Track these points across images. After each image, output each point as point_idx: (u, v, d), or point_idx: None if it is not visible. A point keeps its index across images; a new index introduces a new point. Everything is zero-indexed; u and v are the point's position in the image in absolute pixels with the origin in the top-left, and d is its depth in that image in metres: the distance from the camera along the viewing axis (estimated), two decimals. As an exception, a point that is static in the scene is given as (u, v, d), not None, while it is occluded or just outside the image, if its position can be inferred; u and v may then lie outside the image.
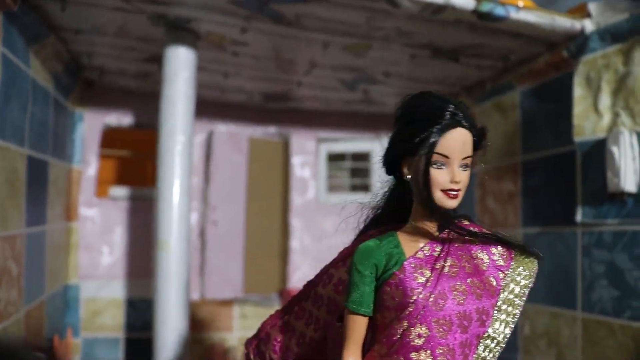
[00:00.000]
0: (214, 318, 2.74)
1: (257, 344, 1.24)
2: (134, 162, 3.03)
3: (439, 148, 0.91)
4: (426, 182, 0.92)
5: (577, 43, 1.79)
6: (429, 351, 0.90)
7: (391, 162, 0.99)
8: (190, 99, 1.94)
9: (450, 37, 1.86)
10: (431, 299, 0.91)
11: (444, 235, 0.98)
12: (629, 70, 1.62)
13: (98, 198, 2.59)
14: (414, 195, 0.97)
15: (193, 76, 1.94)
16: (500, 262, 0.98)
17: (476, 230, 0.99)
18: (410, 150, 0.94)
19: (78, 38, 1.95)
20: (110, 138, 2.71)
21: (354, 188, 3.00)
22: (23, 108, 1.72)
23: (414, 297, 0.91)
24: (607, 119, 1.70)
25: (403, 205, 1.01)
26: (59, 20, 1.79)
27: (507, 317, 0.96)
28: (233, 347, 2.74)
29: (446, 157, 0.91)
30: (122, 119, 2.63)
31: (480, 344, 0.94)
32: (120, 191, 2.63)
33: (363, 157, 2.98)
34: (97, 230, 2.58)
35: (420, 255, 0.95)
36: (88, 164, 2.56)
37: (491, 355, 0.95)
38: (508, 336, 0.96)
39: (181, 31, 1.87)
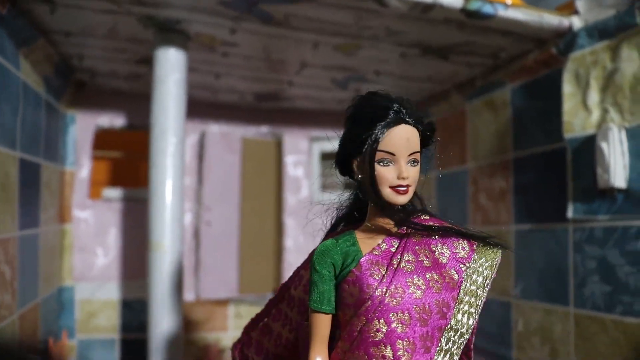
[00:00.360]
0: (209, 318, 2.75)
1: (241, 347, 1.27)
2: (127, 163, 3.03)
3: (383, 145, 0.93)
4: (373, 179, 0.94)
5: (566, 40, 1.79)
6: (388, 345, 0.92)
7: (342, 163, 1.01)
8: (181, 100, 1.94)
9: (440, 35, 1.86)
10: (387, 294, 0.92)
11: (402, 231, 0.99)
12: (617, 67, 1.63)
13: (91, 200, 2.59)
14: (365, 194, 0.98)
15: (184, 77, 1.94)
16: (462, 255, 0.99)
17: (434, 224, 1.01)
18: (358, 150, 0.95)
19: (68, 40, 1.95)
20: (103, 140, 2.71)
21: (348, 186, 3.00)
22: (14, 111, 1.72)
23: (371, 293, 0.93)
24: (596, 115, 1.70)
25: (366, 205, 1.03)
26: (48, 23, 1.79)
27: (469, 308, 0.97)
28: (228, 347, 2.75)
29: (392, 154, 0.93)
30: (114, 120, 2.63)
31: (443, 337, 0.95)
32: (114, 192, 2.63)
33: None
34: (91, 232, 2.58)
35: (376, 252, 0.97)
36: (81, 165, 2.55)
37: (455, 347, 0.96)
38: (472, 327, 0.97)
39: (171, 33, 1.87)
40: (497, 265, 1.00)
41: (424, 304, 0.93)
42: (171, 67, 1.90)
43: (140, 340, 2.53)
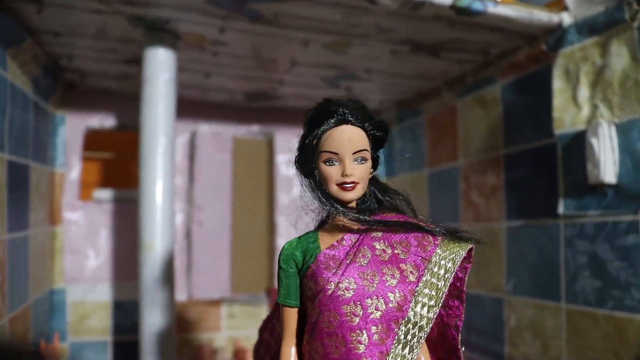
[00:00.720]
0: (202, 318, 2.74)
1: (258, 347, 1.34)
2: (118, 164, 3.01)
3: (327, 146, 0.99)
4: (317, 179, 1.02)
5: (556, 36, 1.80)
6: (341, 336, 0.96)
7: (302, 167, 1.06)
8: (171, 99, 1.93)
9: (430, 32, 1.86)
10: (339, 286, 0.96)
11: (363, 227, 1.04)
12: (606, 63, 1.63)
13: (82, 201, 2.57)
14: (313, 194, 1.04)
15: (173, 77, 1.93)
16: (424, 249, 1.02)
17: (395, 220, 1.05)
18: (309, 153, 1.02)
19: (56, 40, 1.94)
20: (93, 140, 2.70)
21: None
22: (1, 112, 1.70)
23: (323, 285, 0.97)
24: (586, 111, 1.71)
25: None
26: (35, 23, 1.77)
27: (429, 300, 0.99)
28: (222, 347, 2.74)
29: (335, 153, 0.99)
30: (104, 121, 2.61)
31: (401, 329, 0.97)
32: (105, 194, 2.62)
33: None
34: (82, 234, 2.57)
35: (334, 247, 1.02)
36: (71, 167, 2.54)
37: (415, 339, 0.98)
38: (432, 320, 0.98)
39: (160, 32, 1.86)
40: (461, 259, 1.01)
41: (377, 296, 0.96)
42: (160, 66, 1.89)
43: (133, 342, 2.52)
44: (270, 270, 2.84)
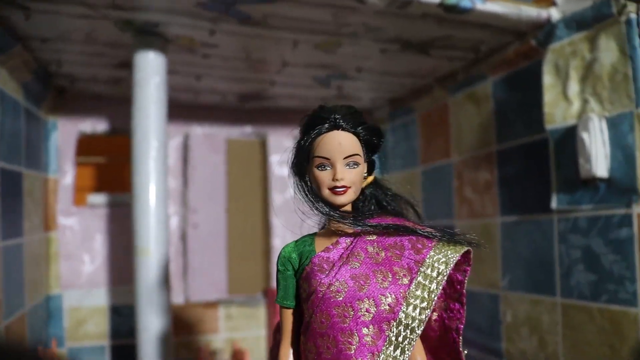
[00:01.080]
0: (199, 320, 2.74)
1: (272, 348, 1.33)
2: (112, 168, 3.01)
3: (319, 151, 1.01)
4: (310, 183, 1.04)
5: (545, 32, 1.80)
6: (332, 337, 0.97)
7: (296, 172, 1.08)
8: (162, 103, 1.93)
9: (419, 30, 1.86)
10: (331, 288, 0.98)
11: (357, 231, 1.05)
12: (595, 57, 1.64)
13: (76, 206, 2.57)
14: (306, 198, 1.07)
15: (164, 80, 1.93)
16: (418, 252, 1.02)
17: (389, 223, 1.06)
18: (302, 158, 1.04)
19: (45, 46, 1.93)
20: (86, 145, 2.69)
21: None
22: (-8, 120, 1.70)
23: (315, 287, 0.99)
24: (576, 105, 1.71)
25: None
26: (24, 29, 1.77)
27: (421, 303, 0.99)
28: (220, 349, 2.74)
29: (326, 158, 1.01)
30: (96, 125, 2.61)
31: (391, 331, 0.97)
32: (99, 198, 2.61)
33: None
34: (77, 239, 2.56)
35: (329, 250, 1.04)
36: (64, 172, 2.53)
37: (406, 341, 0.98)
38: (424, 322, 0.98)
39: (149, 36, 1.86)
40: (454, 261, 1.02)
41: (368, 298, 0.97)
42: (151, 70, 1.89)
43: (130, 346, 2.52)
44: (266, 271, 2.84)
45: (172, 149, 2.73)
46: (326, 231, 1.09)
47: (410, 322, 0.98)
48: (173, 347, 2.62)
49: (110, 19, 1.73)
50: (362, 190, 1.12)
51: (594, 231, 1.67)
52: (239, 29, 1.81)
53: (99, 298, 2.59)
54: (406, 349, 0.97)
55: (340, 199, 1.02)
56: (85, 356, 2.56)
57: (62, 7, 1.63)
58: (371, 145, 1.07)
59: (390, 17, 1.74)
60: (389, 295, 0.97)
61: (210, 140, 2.75)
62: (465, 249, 1.04)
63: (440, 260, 1.02)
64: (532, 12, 1.75)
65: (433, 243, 1.04)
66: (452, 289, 1.07)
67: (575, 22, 1.69)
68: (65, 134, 2.54)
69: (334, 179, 1.01)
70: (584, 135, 1.63)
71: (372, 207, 1.14)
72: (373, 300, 0.97)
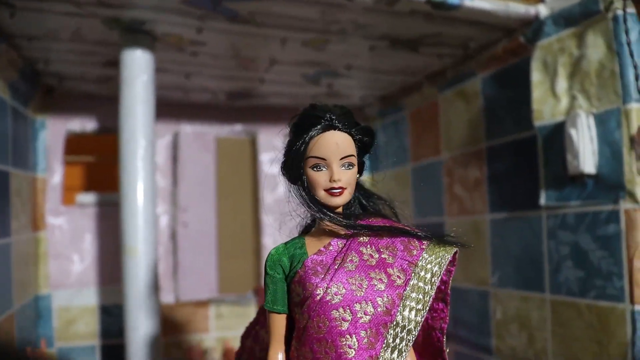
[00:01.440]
0: (190, 320, 2.73)
1: (240, 355, 1.34)
2: (101, 167, 2.99)
3: (314, 151, 0.99)
4: (305, 184, 1.01)
5: (533, 28, 1.80)
6: (330, 341, 0.95)
7: (289, 172, 1.05)
8: (150, 101, 1.92)
9: (408, 27, 1.86)
10: (328, 292, 0.96)
11: (349, 232, 1.04)
12: (583, 53, 1.64)
13: (65, 206, 2.55)
14: (302, 199, 1.04)
15: (152, 79, 1.92)
16: (410, 254, 1.02)
17: (381, 225, 1.05)
18: (296, 159, 1.01)
19: (31, 45, 1.92)
20: (75, 144, 2.67)
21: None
22: (-23, 119, 1.69)
23: (311, 291, 0.97)
24: (564, 102, 1.71)
25: None
26: (9, 27, 1.76)
27: (416, 304, 0.99)
28: (211, 348, 2.73)
29: (322, 158, 0.99)
30: (85, 124, 2.59)
31: (389, 333, 0.97)
32: (88, 198, 2.60)
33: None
34: (66, 239, 2.55)
35: (322, 253, 1.02)
36: (53, 171, 2.52)
37: (403, 343, 0.98)
38: (420, 323, 0.98)
39: (137, 34, 1.85)
40: (447, 262, 1.02)
41: (365, 300, 0.96)
42: (138, 68, 1.88)
43: (120, 346, 2.49)
44: (257, 270, 2.84)
45: (162, 147, 2.71)
46: (316, 233, 1.07)
47: (407, 324, 0.98)
48: (164, 346, 2.61)
49: (97, 16, 1.72)
50: None
51: (582, 227, 1.67)
52: (227, 26, 1.80)
53: (89, 298, 2.57)
54: (403, 351, 0.98)
55: (336, 200, 1.00)
56: (75, 356, 2.54)
57: (48, 5, 1.62)
58: (364, 145, 1.06)
59: (379, 14, 1.74)
60: (386, 297, 0.97)
61: (200, 138, 2.74)
62: (455, 249, 1.04)
63: (433, 262, 1.02)
64: (520, 8, 1.75)
65: (425, 244, 1.04)
66: (437, 289, 1.07)
67: (563, 19, 1.70)
68: (53, 133, 2.53)
69: (331, 180, 0.99)
70: (572, 132, 1.63)
71: (356, 209, 1.13)
72: (370, 302, 0.96)
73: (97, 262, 2.59)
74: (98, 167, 2.96)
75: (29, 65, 2.12)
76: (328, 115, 0.99)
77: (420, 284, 1.00)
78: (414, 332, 0.98)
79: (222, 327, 2.77)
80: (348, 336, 0.95)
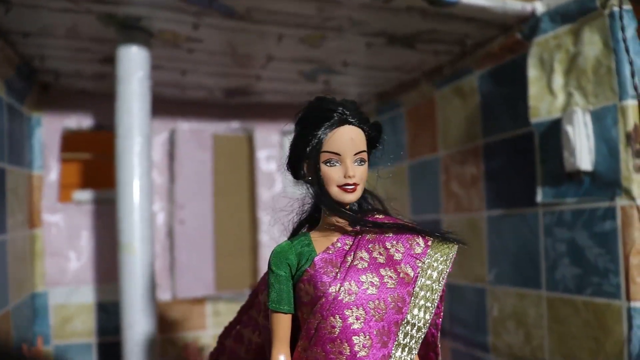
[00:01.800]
0: (186, 317, 2.72)
1: (217, 354, 1.31)
2: (97, 164, 2.98)
3: (328, 146, 0.96)
4: (319, 179, 0.98)
5: (530, 25, 1.80)
6: (345, 341, 0.94)
7: (294, 167, 1.03)
8: (146, 98, 1.91)
9: (404, 24, 1.85)
10: (341, 291, 0.94)
11: (356, 229, 1.02)
12: (579, 50, 1.64)
13: (61, 203, 2.55)
14: (314, 195, 1.02)
15: (147, 75, 1.91)
16: (416, 251, 1.02)
17: (388, 222, 1.04)
18: (306, 153, 0.98)
19: (27, 41, 1.91)
20: (71, 141, 2.67)
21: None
22: (-28, 116, 1.68)
23: (324, 290, 0.95)
24: (561, 99, 1.71)
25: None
26: (4, 23, 1.75)
27: (425, 302, 0.99)
28: (208, 346, 2.73)
29: (337, 154, 0.97)
30: (81, 121, 2.59)
31: (400, 331, 0.97)
32: (84, 195, 2.59)
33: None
34: (62, 236, 2.54)
35: (330, 250, 1.00)
36: (49, 169, 2.51)
37: (413, 341, 0.98)
38: (429, 321, 0.99)
39: (132, 30, 1.84)
40: (452, 259, 1.03)
41: (378, 299, 0.95)
42: (134, 65, 1.87)
43: (117, 343, 2.49)
44: (253, 267, 2.83)
45: (158, 144, 2.71)
46: (322, 230, 1.04)
47: (417, 322, 0.98)
48: (160, 343, 2.61)
49: (93, 13, 1.71)
50: None
51: (579, 224, 1.67)
52: (223, 23, 1.80)
53: (86, 295, 2.57)
54: (413, 348, 0.98)
55: (349, 197, 0.98)
56: (72, 354, 2.54)
57: (43, 1, 1.61)
58: (373, 141, 1.05)
59: (375, 11, 1.74)
60: (397, 295, 0.97)
61: (197, 135, 2.74)
62: (457, 246, 1.04)
63: (439, 260, 1.02)
64: (516, 5, 1.75)
65: (429, 242, 1.04)
66: None
67: (560, 16, 1.69)
68: (49, 130, 2.52)
69: (346, 176, 0.96)
70: (569, 129, 1.63)
71: (354, 205, 1.11)
72: (383, 301, 0.96)
73: (94, 259, 2.59)
74: (94, 164, 2.95)
75: (25, 62, 2.11)
76: (341, 109, 0.98)
77: (428, 282, 1.00)
78: (423, 330, 0.98)
79: (219, 324, 2.76)
80: (362, 335, 0.94)
